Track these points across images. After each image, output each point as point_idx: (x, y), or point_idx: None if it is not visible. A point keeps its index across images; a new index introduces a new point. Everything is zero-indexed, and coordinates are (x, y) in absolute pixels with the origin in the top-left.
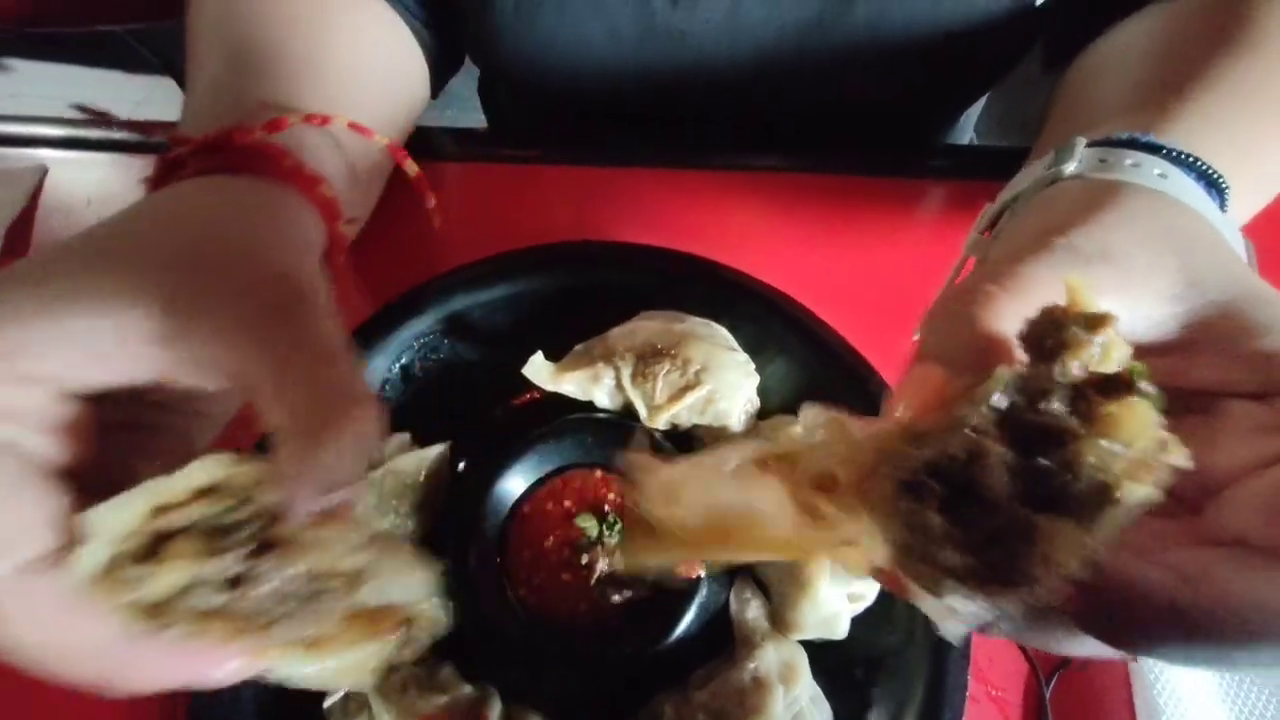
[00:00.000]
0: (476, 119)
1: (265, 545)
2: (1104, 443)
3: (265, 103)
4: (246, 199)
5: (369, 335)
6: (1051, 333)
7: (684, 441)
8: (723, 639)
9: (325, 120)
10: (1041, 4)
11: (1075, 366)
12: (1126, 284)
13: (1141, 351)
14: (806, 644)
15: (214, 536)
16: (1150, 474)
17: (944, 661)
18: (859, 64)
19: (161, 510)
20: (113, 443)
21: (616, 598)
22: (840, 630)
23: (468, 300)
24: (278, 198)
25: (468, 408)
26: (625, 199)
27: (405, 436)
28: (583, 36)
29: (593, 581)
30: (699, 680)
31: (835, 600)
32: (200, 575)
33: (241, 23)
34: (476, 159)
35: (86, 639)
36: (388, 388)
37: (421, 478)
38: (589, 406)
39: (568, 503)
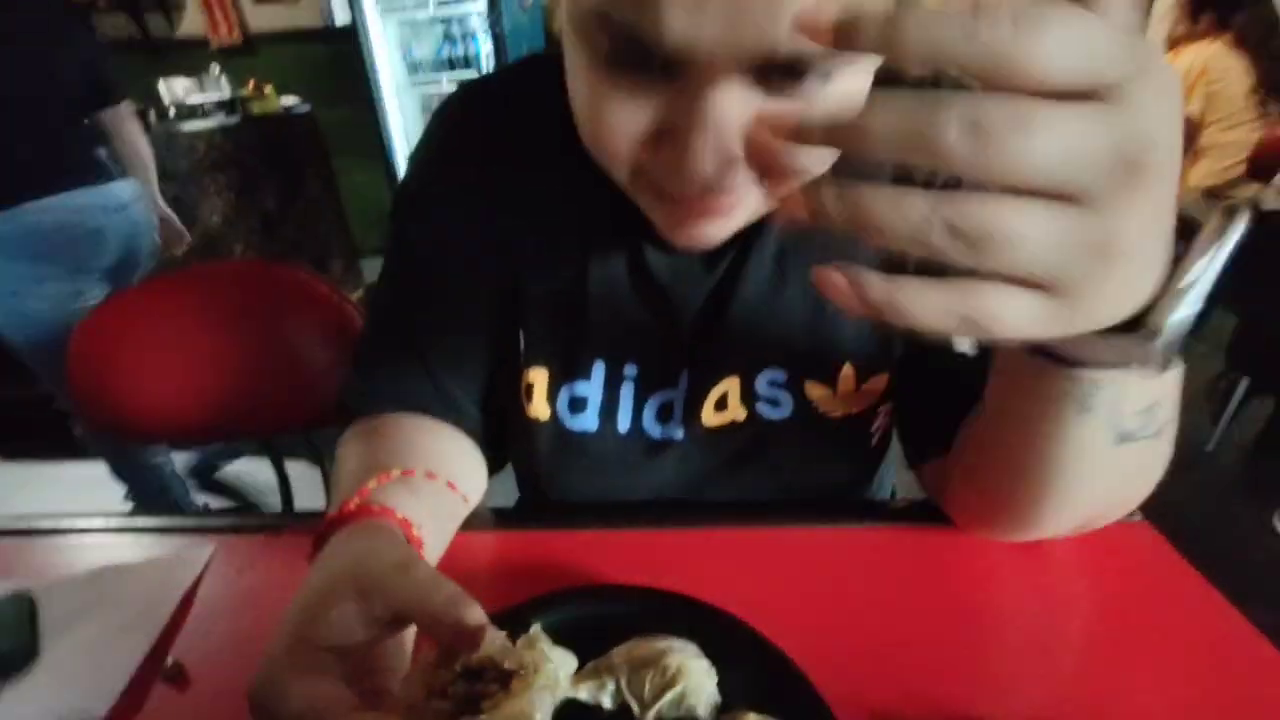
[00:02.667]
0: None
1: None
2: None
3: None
4: (377, 535)
5: None
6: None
7: None
8: None
9: (409, 471)
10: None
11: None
12: None
13: None
14: None
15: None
16: None
17: None
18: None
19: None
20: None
21: None
22: None
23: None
24: (390, 529)
25: None
26: (628, 555)
27: None
28: (606, 490)
29: None
30: None
31: None
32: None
33: (362, 450)
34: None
35: None
36: None
37: None
38: (598, 707)
39: None
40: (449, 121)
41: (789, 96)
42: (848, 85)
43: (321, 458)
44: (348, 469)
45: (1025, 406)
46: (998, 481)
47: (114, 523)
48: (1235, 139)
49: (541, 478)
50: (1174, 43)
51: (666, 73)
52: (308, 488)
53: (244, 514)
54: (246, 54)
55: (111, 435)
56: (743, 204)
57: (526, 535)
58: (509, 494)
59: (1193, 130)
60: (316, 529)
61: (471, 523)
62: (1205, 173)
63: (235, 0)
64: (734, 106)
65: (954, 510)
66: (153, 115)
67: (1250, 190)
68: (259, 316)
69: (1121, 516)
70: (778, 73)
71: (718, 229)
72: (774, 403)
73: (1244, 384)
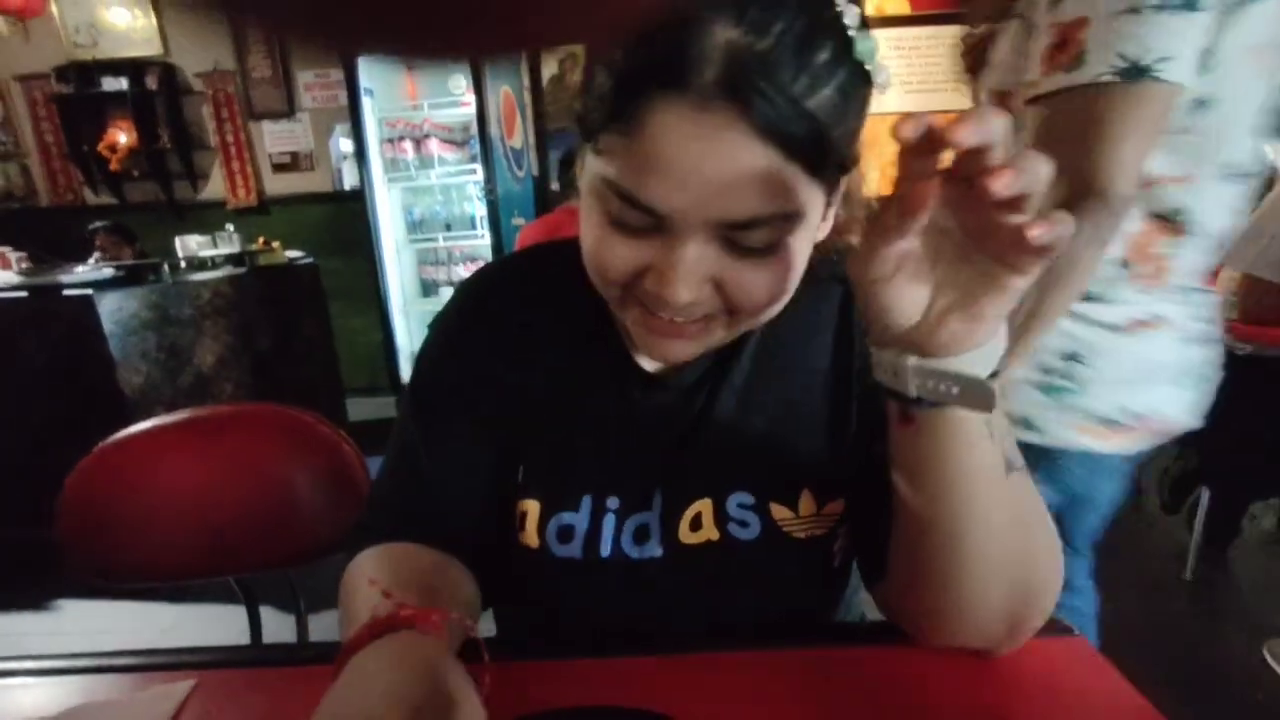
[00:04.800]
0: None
1: None
2: None
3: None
4: (415, 650)
5: None
6: None
7: None
8: None
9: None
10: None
11: None
12: None
13: None
14: None
15: None
16: None
17: None
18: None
19: None
20: None
21: None
22: None
23: None
24: (424, 642)
25: None
26: (607, 681)
27: None
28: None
29: None
30: None
31: None
32: None
33: (379, 569)
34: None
35: None
36: None
37: None
38: None
39: None
40: (470, 293)
41: (749, 257)
42: (792, 249)
43: (297, 598)
44: (360, 594)
45: (944, 461)
46: (926, 566)
47: (90, 662)
48: None
49: (526, 605)
50: None
51: (654, 228)
52: (277, 632)
53: (222, 649)
54: (260, 214)
55: (89, 579)
56: (704, 332)
57: (505, 666)
58: (486, 629)
59: None
60: (347, 643)
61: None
62: None
63: (256, 169)
64: (702, 255)
65: (901, 620)
66: (166, 269)
67: None
68: (257, 457)
69: (1049, 604)
70: (736, 238)
71: (683, 349)
72: (744, 524)
73: (1206, 495)
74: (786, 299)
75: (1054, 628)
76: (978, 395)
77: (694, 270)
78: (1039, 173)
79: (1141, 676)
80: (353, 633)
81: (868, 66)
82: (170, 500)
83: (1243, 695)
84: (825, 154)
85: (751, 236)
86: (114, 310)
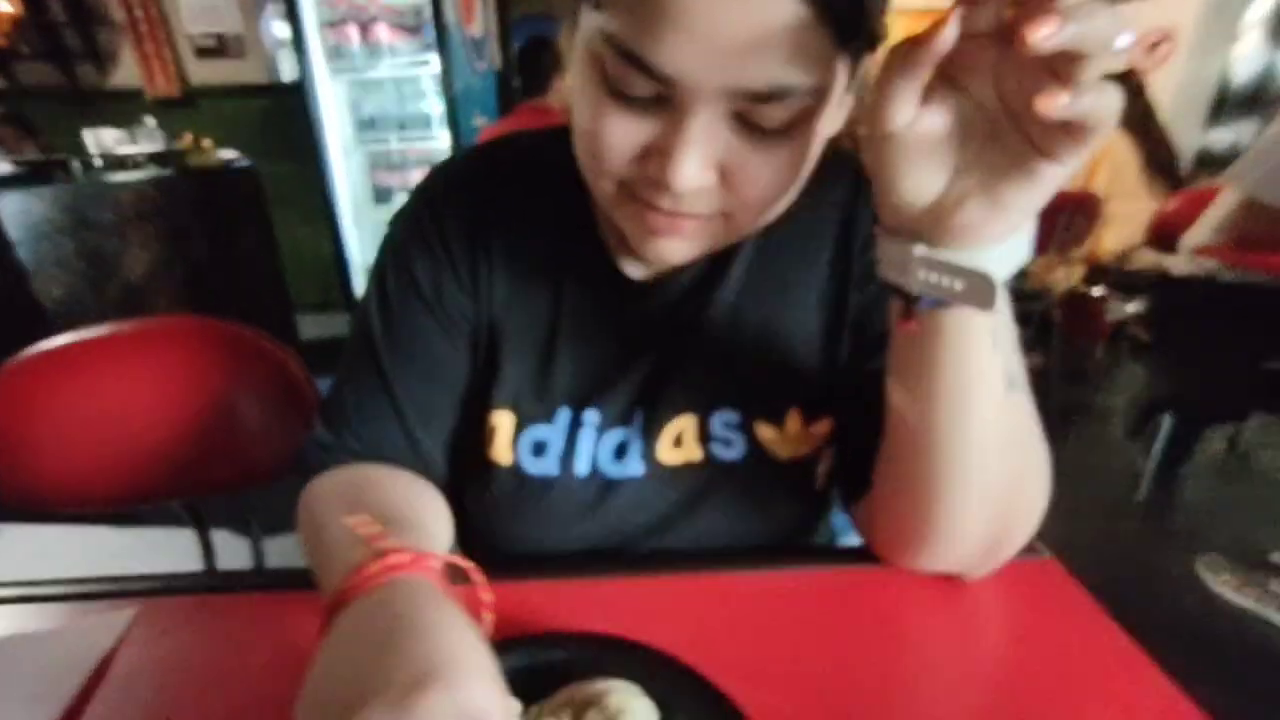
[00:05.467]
0: None
1: None
2: None
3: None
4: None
5: None
6: None
7: None
8: None
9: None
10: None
11: None
12: None
13: None
14: None
15: None
16: None
17: None
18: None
19: None
20: None
21: None
22: None
23: None
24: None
25: None
26: (575, 604)
27: None
28: (563, 538)
29: None
30: None
31: None
32: None
33: (340, 503)
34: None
35: None
36: None
37: None
38: None
39: None
40: (434, 184)
41: (760, 139)
42: (807, 137)
43: (250, 523)
44: (332, 521)
45: (946, 368)
46: (911, 486)
47: (21, 590)
48: (1134, 210)
49: (496, 525)
50: None
51: (658, 101)
52: (233, 558)
53: (167, 576)
54: (185, 107)
55: (20, 508)
56: (704, 231)
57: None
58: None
59: (1097, 203)
60: (335, 593)
61: None
62: (1113, 240)
63: (175, 53)
64: (710, 134)
65: (877, 542)
66: (76, 165)
67: (1151, 257)
68: (195, 374)
69: (1027, 532)
70: (750, 115)
71: (679, 247)
72: (727, 443)
73: (1167, 422)
74: (794, 194)
75: (1025, 548)
76: (982, 293)
77: (702, 148)
78: (1098, 28)
79: (1099, 595)
80: (340, 581)
81: None
82: (98, 421)
83: (1176, 605)
84: (858, 17)
85: (769, 114)
86: (19, 212)
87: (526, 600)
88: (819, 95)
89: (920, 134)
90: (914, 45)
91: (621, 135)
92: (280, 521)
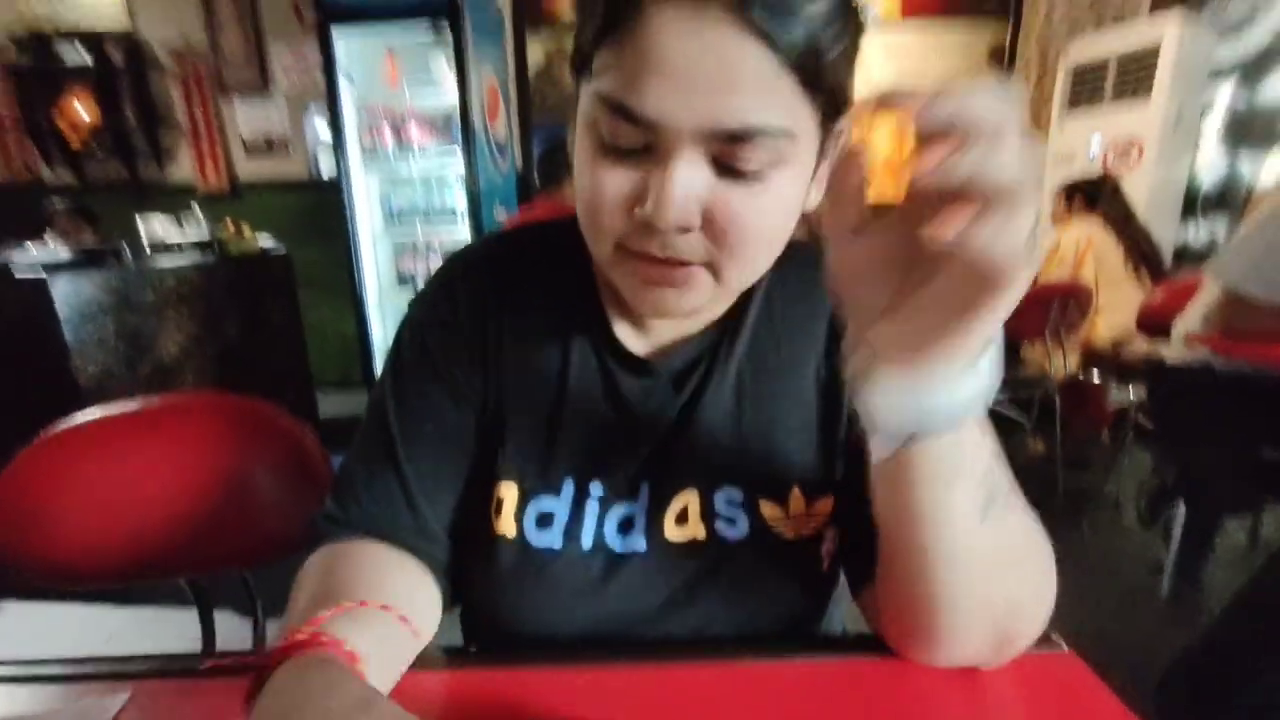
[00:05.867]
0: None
1: None
2: None
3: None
4: (328, 669)
5: None
6: None
7: None
8: None
9: (364, 603)
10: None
11: None
12: None
13: None
14: None
15: None
16: None
17: None
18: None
19: None
20: None
21: None
22: None
23: None
24: (339, 664)
25: None
26: (581, 693)
27: None
28: (566, 615)
29: None
30: None
31: None
32: None
33: (319, 579)
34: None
35: None
36: None
37: None
38: None
39: None
40: (452, 267)
41: (738, 181)
42: (782, 185)
43: (254, 602)
44: (302, 596)
45: (912, 499)
46: (906, 592)
47: (15, 670)
48: (1121, 299)
49: (500, 601)
50: (1056, 218)
51: (646, 150)
52: (236, 638)
53: (164, 657)
54: (232, 199)
55: (31, 582)
56: (695, 281)
57: (476, 674)
58: (459, 634)
59: (1088, 294)
60: (259, 659)
61: (420, 661)
62: (1105, 328)
63: (227, 152)
64: (693, 174)
65: (885, 634)
66: (127, 253)
67: (1146, 346)
68: (210, 449)
69: (1037, 628)
70: (729, 158)
71: (673, 298)
72: (731, 521)
73: (1182, 510)
74: (775, 248)
75: (1043, 640)
76: (935, 423)
77: (685, 186)
78: (997, 156)
79: (1121, 691)
80: (274, 645)
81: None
82: (114, 496)
83: None
84: (819, 70)
85: (746, 156)
86: (69, 294)
87: (528, 688)
88: (791, 140)
89: (865, 248)
90: (848, 172)
91: (615, 187)
92: (284, 601)
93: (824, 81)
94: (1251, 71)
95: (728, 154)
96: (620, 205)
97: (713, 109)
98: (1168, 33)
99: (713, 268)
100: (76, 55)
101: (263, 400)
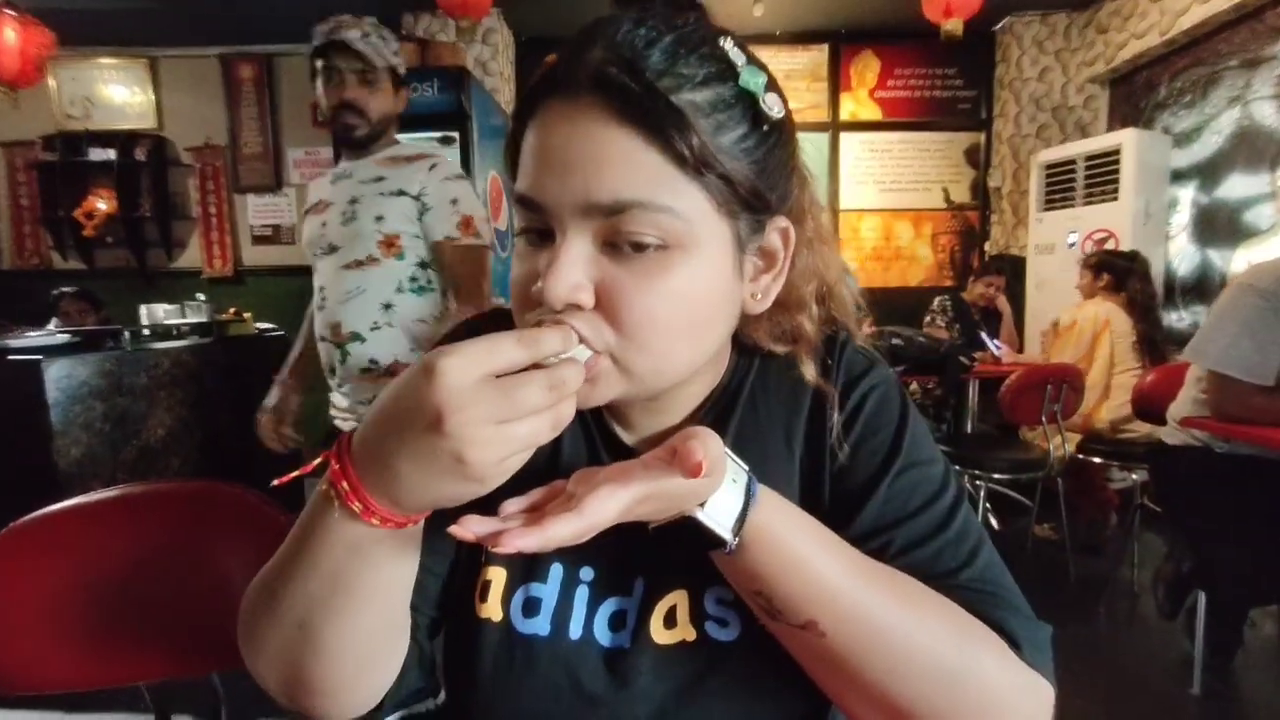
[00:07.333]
0: None
1: None
2: None
3: None
4: None
5: None
6: None
7: None
8: None
9: None
10: None
11: None
12: None
13: None
14: None
15: None
16: None
17: None
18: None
19: None
20: None
21: None
22: None
23: None
24: None
25: None
26: None
27: None
28: (551, 712)
29: None
30: None
31: None
32: None
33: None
34: None
35: None
36: None
37: None
38: None
39: None
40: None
41: (629, 261)
42: (682, 270)
43: (219, 709)
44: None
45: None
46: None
47: None
48: (1126, 382)
49: (484, 691)
50: (1081, 290)
51: (546, 236)
52: None
53: None
54: (235, 284)
55: None
56: (597, 370)
57: None
58: None
59: (1079, 374)
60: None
61: None
62: (1109, 409)
63: (235, 241)
64: (579, 249)
65: None
66: (126, 336)
67: (1145, 428)
68: (186, 541)
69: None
70: (616, 238)
71: (587, 392)
72: (723, 623)
73: (1203, 600)
74: (688, 339)
75: None
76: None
77: (571, 262)
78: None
79: None
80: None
81: (756, 95)
82: (74, 596)
83: None
84: (704, 155)
85: (628, 230)
86: (60, 377)
87: None
88: (680, 220)
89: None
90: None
91: (522, 270)
92: (253, 707)
93: (713, 168)
94: (1209, 173)
95: (611, 232)
96: (526, 286)
97: (585, 185)
98: (1125, 140)
99: (615, 357)
100: (103, 153)
101: (246, 487)
